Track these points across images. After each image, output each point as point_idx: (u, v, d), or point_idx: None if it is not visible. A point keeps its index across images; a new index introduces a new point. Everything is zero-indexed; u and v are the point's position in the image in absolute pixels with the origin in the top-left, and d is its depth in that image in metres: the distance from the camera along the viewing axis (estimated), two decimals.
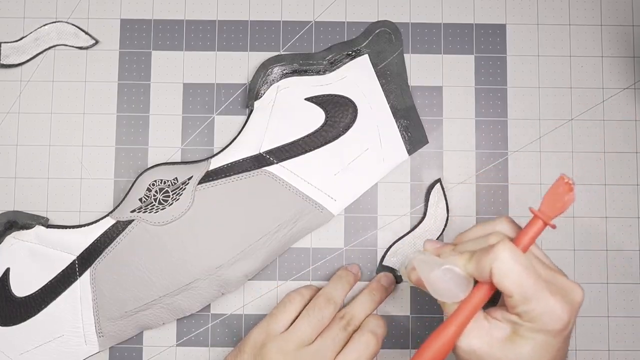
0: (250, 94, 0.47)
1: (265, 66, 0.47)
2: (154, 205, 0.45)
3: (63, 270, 0.45)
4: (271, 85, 0.47)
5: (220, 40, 0.49)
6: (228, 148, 0.47)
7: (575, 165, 0.48)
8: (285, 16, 0.49)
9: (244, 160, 0.46)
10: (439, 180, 0.47)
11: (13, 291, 0.45)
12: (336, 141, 0.47)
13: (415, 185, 0.48)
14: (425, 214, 0.47)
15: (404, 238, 0.47)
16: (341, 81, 0.47)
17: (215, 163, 0.46)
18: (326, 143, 0.47)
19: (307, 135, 0.47)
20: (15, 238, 0.46)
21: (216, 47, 0.49)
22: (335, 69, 0.48)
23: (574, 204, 0.48)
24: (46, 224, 0.46)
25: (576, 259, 0.47)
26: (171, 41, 0.49)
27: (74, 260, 0.45)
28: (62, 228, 0.46)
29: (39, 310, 0.45)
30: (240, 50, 0.49)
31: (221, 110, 0.48)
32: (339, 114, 0.47)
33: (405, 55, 0.48)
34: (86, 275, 0.45)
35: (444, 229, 0.47)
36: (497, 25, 0.49)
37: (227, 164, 0.46)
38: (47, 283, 0.45)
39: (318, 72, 0.47)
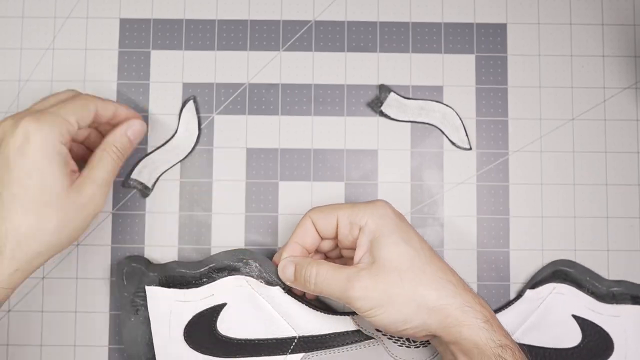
0: None
1: None
2: (402, 340, 0.43)
3: (277, 339, 0.43)
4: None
5: (220, 40, 0.49)
6: None
7: (576, 165, 0.48)
8: (285, 15, 0.49)
9: None
10: (192, 98, 0.47)
11: (217, 326, 0.43)
12: None
13: (416, 185, 0.48)
14: (177, 130, 0.47)
15: (153, 153, 0.47)
16: (615, 318, 0.45)
17: None
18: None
19: (562, 349, 0.44)
20: (248, 284, 0.43)
21: (216, 47, 0.49)
22: (614, 304, 0.46)
23: (574, 203, 0.47)
24: (285, 290, 0.43)
25: (577, 259, 0.47)
26: (170, 40, 0.48)
27: (295, 337, 0.43)
28: (302, 302, 0.43)
29: (236, 356, 0.43)
30: (240, 50, 0.48)
31: (221, 109, 0.48)
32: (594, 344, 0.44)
33: (405, 54, 0.48)
34: (296, 357, 0.42)
35: (194, 146, 0.47)
36: (498, 24, 0.49)
37: None
38: (253, 339, 0.43)
39: (597, 296, 0.46)
